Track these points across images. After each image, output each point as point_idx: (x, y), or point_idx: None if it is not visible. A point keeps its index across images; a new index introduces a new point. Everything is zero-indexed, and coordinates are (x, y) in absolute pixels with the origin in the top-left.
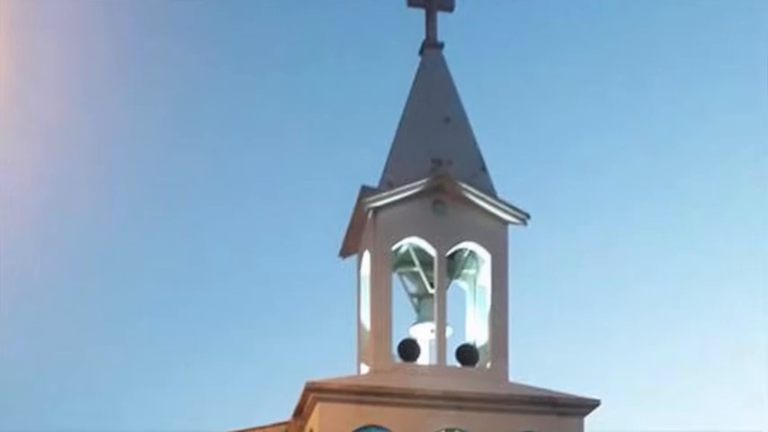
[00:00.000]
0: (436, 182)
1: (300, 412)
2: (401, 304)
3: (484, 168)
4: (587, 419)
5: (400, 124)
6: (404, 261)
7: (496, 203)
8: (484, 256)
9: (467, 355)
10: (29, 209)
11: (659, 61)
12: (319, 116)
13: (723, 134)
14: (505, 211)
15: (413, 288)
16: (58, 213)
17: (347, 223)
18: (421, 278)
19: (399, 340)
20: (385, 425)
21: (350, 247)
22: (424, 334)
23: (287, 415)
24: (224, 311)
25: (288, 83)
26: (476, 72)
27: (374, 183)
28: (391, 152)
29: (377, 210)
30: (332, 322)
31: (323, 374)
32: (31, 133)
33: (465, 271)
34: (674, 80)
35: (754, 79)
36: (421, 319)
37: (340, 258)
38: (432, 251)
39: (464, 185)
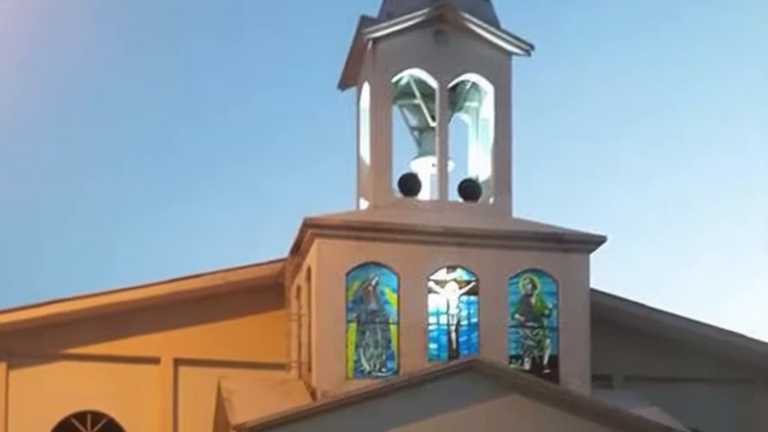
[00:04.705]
0: (437, 11)
1: (298, 249)
2: (401, 138)
3: None
4: (593, 256)
5: None
6: (404, 93)
7: (499, 34)
8: (487, 87)
9: (469, 189)
10: (20, 44)
11: None
12: None
13: None
14: (509, 42)
15: (414, 121)
16: (50, 48)
17: (346, 55)
18: (422, 111)
19: (400, 175)
20: (384, 262)
21: (349, 79)
22: (425, 168)
23: (284, 252)
24: (219, 146)
25: None
26: None
27: (374, 13)
28: None
29: (376, 40)
30: (331, 157)
31: (321, 210)
32: None
33: (467, 103)
34: None
35: None
36: (422, 153)
37: (339, 90)
38: (433, 83)
39: (466, 15)
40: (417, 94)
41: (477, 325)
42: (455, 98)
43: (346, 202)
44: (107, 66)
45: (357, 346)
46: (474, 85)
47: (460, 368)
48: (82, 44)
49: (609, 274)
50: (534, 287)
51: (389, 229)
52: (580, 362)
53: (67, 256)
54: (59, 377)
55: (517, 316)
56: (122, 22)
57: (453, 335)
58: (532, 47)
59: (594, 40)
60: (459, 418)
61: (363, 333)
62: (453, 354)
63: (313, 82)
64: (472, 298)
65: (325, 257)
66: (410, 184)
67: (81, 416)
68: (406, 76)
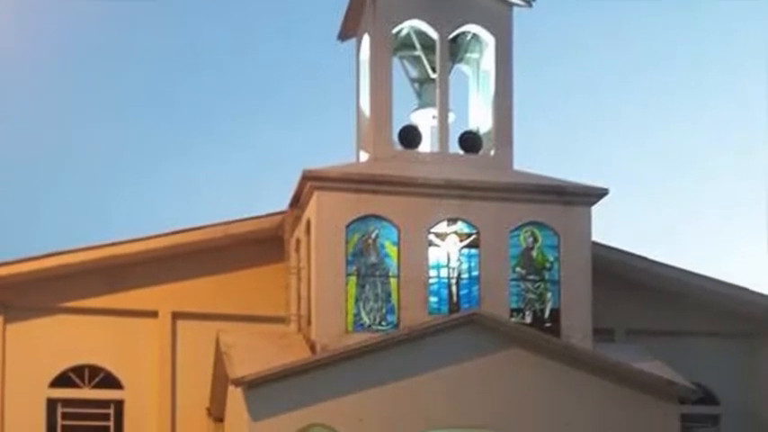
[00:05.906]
0: None
1: (297, 202)
2: (402, 89)
3: None
4: (595, 209)
5: None
6: (405, 44)
7: None
8: (487, 39)
9: (470, 141)
10: None
11: None
12: None
13: None
14: None
15: (414, 73)
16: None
17: (346, 5)
18: (422, 62)
19: (400, 127)
20: (385, 214)
21: (349, 30)
22: (425, 120)
23: (283, 205)
24: (218, 98)
25: None
26: None
27: None
28: None
29: None
30: (330, 109)
31: (321, 163)
32: None
33: (468, 55)
34: None
35: None
36: (422, 105)
37: (338, 42)
38: (433, 34)
39: None
40: (417, 45)
41: (477, 278)
42: (456, 49)
43: (346, 154)
44: (105, 15)
45: (357, 300)
46: (475, 36)
47: (461, 321)
48: None
49: (610, 226)
50: (535, 240)
51: (389, 182)
52: (581, 315)
53: (65, 208)
54: (57, 331)
55: (518, 269)
56: None
57: (454, 288)
58: None
59: None
60: (459, 372)
61: (363, 286)
62: (454, 307)
63: (313, 33)
64: (473, 251)
65: (325, 210)
66: (410, 137)
67: (78, 369)
68: (407, 27)
